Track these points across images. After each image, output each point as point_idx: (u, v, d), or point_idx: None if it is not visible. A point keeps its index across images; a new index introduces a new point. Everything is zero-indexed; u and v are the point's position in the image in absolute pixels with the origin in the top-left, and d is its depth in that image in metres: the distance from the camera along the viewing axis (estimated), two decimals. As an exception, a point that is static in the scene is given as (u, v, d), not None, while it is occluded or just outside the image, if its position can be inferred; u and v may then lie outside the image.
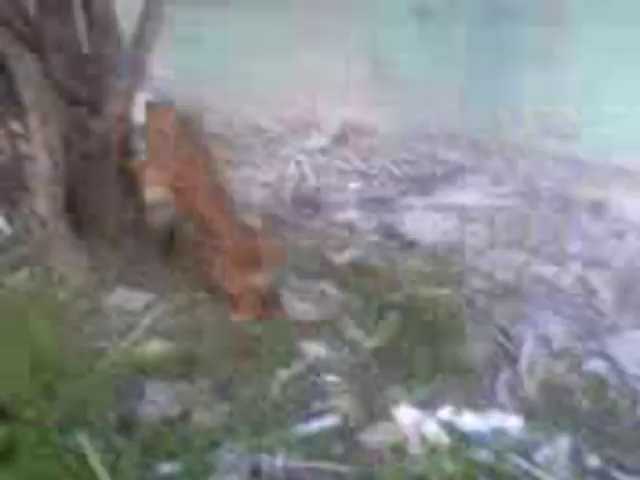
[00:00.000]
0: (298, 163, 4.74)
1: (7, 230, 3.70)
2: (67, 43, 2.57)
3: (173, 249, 3.20)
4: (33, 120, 2.50)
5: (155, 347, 2.57)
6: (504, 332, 2.84)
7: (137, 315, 2.79)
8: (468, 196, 4.13)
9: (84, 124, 2.65)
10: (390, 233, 3.70)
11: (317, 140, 5.04)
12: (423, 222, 3.81)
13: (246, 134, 5.43)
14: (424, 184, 4.34)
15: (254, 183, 4.50)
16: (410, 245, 3.58)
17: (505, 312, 2.97)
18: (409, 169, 4.59)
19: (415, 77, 4.72)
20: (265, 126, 5.52)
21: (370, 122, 5.08)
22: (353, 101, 5.10)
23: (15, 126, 2.77)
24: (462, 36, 4.38)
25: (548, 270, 3.35)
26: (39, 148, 2.51)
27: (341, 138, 5.10)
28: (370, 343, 2.69)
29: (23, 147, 2.78)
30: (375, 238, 3.66)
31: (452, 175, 4.44)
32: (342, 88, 5.11)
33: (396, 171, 4.56)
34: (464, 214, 3.92)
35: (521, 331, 2.84)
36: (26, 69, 2.46)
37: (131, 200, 2.94)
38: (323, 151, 4.91)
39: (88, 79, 2.66)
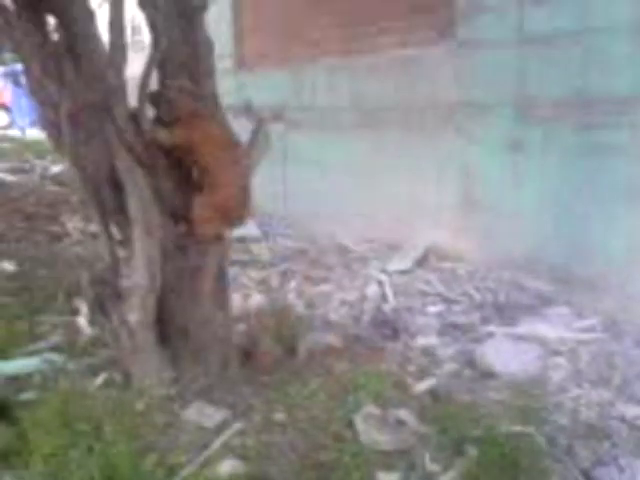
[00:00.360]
0: (379, 283, 4.78)
1: (88, 331, 3.83)
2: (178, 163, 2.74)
3: (253, 365, 3.24)
4: (137, 231, 2.62)
5: (227, 467, 2.55)
6: (587, 475, 2.70)
7: (212, 432, 2.78)
8: (551, 328, 4.03)
9: (183, 240, 2.76)
10: (470, 362, 3.63)
11: (400, 262, 5.07)
12: (504, 352, 3.71)
13: (329, 252, 5.54)
14: (506, 312, 4.27)
15: (334, 300, 4.54)
16: (490, 376, 3.49)
17: (588, 453, 2.84)
18: (491, 296, 4.54)
19: (503, 205, 4.76)
20: (349, 246, 5.63)
21: (454, 247, 5.11)
22: (438, 225, 5.17)
23: (116, 235, 2.90)
24: (555, 167, 4.40)
25: (633, 411, 3.20)
26: (139, 259, 2.62)
27: (424, 261, 5.13)
28: (446, 478, 2.61)
29: (121, 254, 2.90)
30: (455, 366, 3.59)
31: (535, 305, 4.37)
32: (428, 212, 5.19)
33: (478, 297, 4.52)
34: (547, 346, 3.82)
35: (605, 475, 2.70)
36: (136, 182, 2.60)
37: (220, 313, 3.00)
38: (405, 273, 4.94)
39: (192, 198, 2.80)
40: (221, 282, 2.96)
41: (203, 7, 2.70)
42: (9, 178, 9.13)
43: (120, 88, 2.57)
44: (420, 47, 5.25)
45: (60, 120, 2.46)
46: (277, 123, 6.17)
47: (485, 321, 4.17)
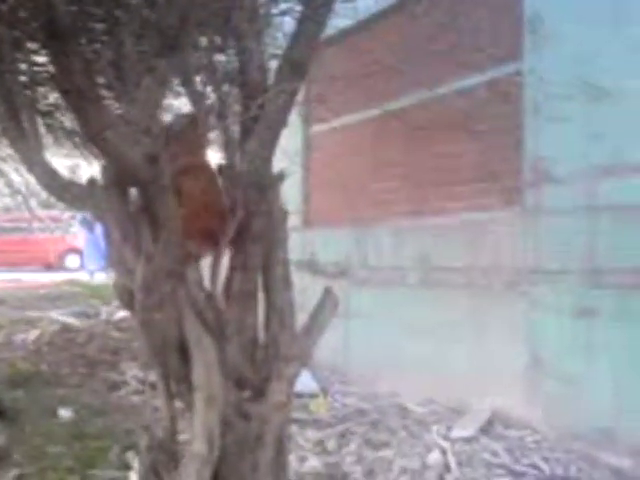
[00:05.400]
0: (442, 451, 4.57)
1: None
2: (245, 328, 2.74)
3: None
4: (198, 401, 2.58)
5: None
6: None
7: None
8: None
9: (245, 407, 2.71)
10: None
11: (463, 428, 4.87)
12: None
13: (390, 413, 5.38)
14: (578, 491, 4.03)
15: (394, 468, 4.35)
16: None
17: None
18: (561, 469, 4.29)
19: (574, 373, 4.59)
20: (410, 407, 5.47)
21: (520, 413, 4.91)
22: (504, 390, 5.01)
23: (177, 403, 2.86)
24: (630, 335, 4.30)
25: None
26: (198, 429, 2.55)
27: (488, 427, 4.93)
28: None
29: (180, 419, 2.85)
30: None
31: (610, 482, 4.11)
32: (493, 375, 5.05)
33: (547, 470, 4.28)
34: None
35: None
36: (203, 349, 2.59)
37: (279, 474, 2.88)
38: (469, 440, 4.73)
39: (257, 363, 2.78)
40: (281, 452, 2.87)
41: (280, 179, 2.80)
42: (75, 323, 9.34)
43: (195, 255, 2.63)
44: (486, 212, 5.33)
45: (134, 286, 2.51)
46: (341, 279, 6.24)
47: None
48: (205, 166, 2.80)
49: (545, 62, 4.78)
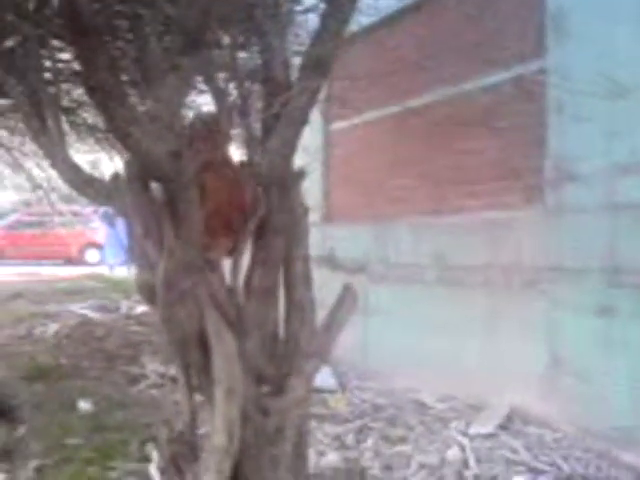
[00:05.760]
0: (460, 447, 4.57)
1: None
2: (265, 324, 2.77)
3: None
4: (219, 392, 2.60)
5: None
6: None
7: None
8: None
9: (265, 402, 2.73)
10: None
11: (482, 425, 4.87)
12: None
13: (408, 409, 5.39)
14: (597, 487, 4.01)
15: (412, 463, 4.36)
16: None
17: None
18: (581, 468, 4.27)
19: (593, 370, 4.58)
20: (428, 403, 5.47)
21: (540, 410, 4.90)
22: (523, 387, 5.00)
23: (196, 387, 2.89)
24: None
25: None
26: (218, 422, 2.58)
27: (508, 424, 4.92)
28: None
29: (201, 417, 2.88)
30: None
31: (631, 483, 4.08)
32: (512, 372, 5.04)
33: (566, 468, 4.26)
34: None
35: None
36: (223, 343, 2.62)
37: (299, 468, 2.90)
38: (488, 437, 4.73)
39: (277, 359, 2.80)
40: (300, 447, 2.89)
41: (301, 176, 2.82)
42: (95, 316, 9.41)
43: (215, 257, 2.66)
44: (507, 210, 5.32)
45: (155, 281, 2.53)
46: (359, 275, 6.25)
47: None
48: (227, 163, 2.82)
49: (568, 59, 4.75)
